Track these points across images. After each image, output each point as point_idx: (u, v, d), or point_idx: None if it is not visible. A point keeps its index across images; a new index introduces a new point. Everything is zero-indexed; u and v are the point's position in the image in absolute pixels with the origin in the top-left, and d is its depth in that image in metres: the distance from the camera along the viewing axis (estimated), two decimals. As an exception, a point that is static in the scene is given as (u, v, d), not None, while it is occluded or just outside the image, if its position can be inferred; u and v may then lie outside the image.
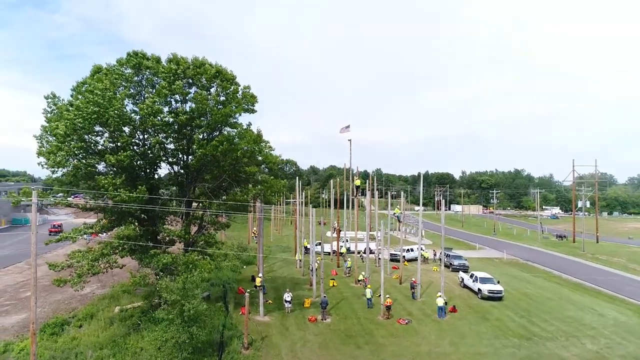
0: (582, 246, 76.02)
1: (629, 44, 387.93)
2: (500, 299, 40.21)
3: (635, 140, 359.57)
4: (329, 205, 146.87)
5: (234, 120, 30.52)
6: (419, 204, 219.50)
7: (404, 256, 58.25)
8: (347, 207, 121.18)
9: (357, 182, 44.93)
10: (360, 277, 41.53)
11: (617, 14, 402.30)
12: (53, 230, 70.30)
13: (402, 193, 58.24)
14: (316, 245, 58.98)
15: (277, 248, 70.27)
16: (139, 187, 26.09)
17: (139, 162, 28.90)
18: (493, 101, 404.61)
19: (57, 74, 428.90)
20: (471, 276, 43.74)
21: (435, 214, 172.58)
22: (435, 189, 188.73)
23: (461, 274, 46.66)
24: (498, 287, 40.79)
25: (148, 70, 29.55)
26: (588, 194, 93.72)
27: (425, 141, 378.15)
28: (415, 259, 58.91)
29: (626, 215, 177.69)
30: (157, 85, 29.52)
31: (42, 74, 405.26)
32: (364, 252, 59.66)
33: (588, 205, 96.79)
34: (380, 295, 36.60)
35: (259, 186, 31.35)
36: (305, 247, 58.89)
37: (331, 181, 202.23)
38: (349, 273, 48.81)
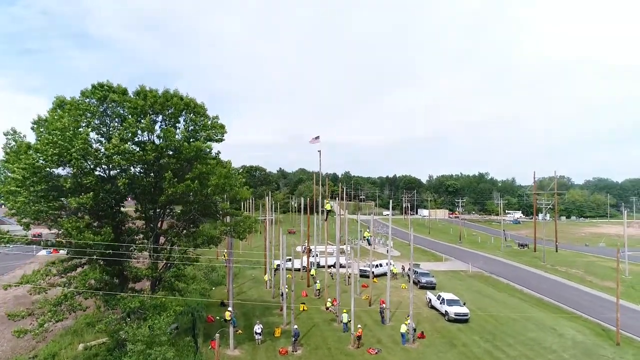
0: (543, 256, 79.00)
1: (591, 43, 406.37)
2: (466, 321, 41.33)
3: (591, 142, 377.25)
4: (299, 211, 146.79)
5: (205, 153, 30.02)
6: (387, 208, 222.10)
7: (372, 272, 58.90)
8: (317, 212, 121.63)
9: (328, 206, 45.17)
10: (328, 304, 41.70)
11: (577, 15, 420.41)
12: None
13: (372, 215, 58.77)
14: (286, 261, 58.92)
15: (246, 264, 69.59)
16: (104, 228, 25.36)
17: (104, 201, 28.05)
18: (460, 102, 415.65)
19: (18, 70, 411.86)
20: (438, 297, 44.73)
21: (403, 218, 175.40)
22: (403, 194, 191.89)
23: (429, 294, 47.62)
24: (464, 310, 41.90)
25: (114, 103, 28.77)
26: (548, 205, 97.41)
27: (394, 142, 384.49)
28: (384, 274, 59.69)
29: (582, 219, 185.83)
30: (124, 121, 28.77)
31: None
32: (333, 266, 59.82)
33: (548, 217, 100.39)
34: (351, 321, 36.78)
35: (229, 220, 31.03)
36: (276, 268, 58.69)
37: (301, 187, 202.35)
38: (319, 295, 48.95)
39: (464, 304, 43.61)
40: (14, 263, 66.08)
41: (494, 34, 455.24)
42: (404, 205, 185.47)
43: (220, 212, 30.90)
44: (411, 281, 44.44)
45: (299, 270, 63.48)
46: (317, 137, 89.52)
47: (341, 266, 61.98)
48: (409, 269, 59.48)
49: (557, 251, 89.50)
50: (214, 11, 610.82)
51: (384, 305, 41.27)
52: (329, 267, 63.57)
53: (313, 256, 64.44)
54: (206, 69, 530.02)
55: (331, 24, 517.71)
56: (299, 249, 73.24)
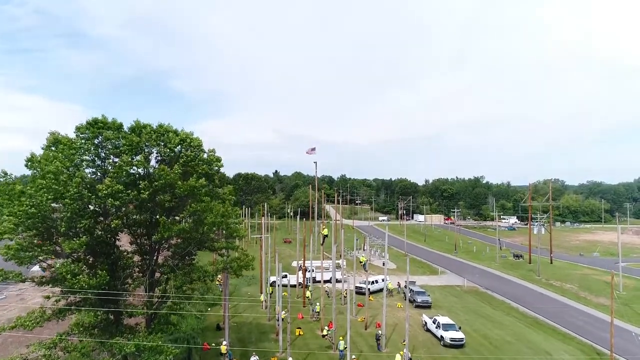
0: (538, 269, 79.28)
1: (585, 47, 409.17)
2: (462, 346, 41.43)
3: (585, 142, 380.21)
4: (295, 216, 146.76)
5: (199, 190, 29.82)
6: (383, 212, 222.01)
7: (369, 289, 58.92)
8: (314, 218, 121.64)
9: (325, 231, 45.18)
10: (325, 332, 41.68)
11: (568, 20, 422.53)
12: None
13: (367, 239, 58.81)
14: (282, 277, 58.80)
15: (241, 279, 69.34)
16: (99, 271, 25.25)
17: (98, 238, 27.90)
18: (455, 102, 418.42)
19: (12, 69, 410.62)
20: (434, 321, 44.76)
21: (399, 224, 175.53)
22: (399, 200, 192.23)
23: (425, 317, 47.63)
24: (459, 335, 42.00)
25: (109, 141, 28.66)
26: (542, 218, 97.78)
27: (390, 141, 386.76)
28: (380, 290, 59.75)
29: (577, 225, 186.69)
30: (119, 155, 28.65)
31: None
32: (329, 281, 59.66)
33: (543, 231, 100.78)
34: (347, 348, 36.68)
35: (227, 257, 31.05)
36: (272, 282, 58.69)
37: (297, 192, 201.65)
38: (316, 317, 48.78)
39: (460, 328, 43.71)
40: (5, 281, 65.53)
41: (489, 35, 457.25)
42: (399, 213, 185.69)
43: (216, 247, 30.81)
44: (407, 300, 44.60)
45: (294, 286, 63.42)
46: (314, 149, 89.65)
47: (337, 281, 62.03)
48: (405, 286, 59.68)
49: (551, 263, 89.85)
50: (210, 10, 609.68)
51: (380, 331, 41.24)
52: (325, 282, 63.44)
53: (309, 271, 64.32)
54: (202, 69, 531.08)
55: (328, 24, 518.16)
56: (294, 264, 73.15)
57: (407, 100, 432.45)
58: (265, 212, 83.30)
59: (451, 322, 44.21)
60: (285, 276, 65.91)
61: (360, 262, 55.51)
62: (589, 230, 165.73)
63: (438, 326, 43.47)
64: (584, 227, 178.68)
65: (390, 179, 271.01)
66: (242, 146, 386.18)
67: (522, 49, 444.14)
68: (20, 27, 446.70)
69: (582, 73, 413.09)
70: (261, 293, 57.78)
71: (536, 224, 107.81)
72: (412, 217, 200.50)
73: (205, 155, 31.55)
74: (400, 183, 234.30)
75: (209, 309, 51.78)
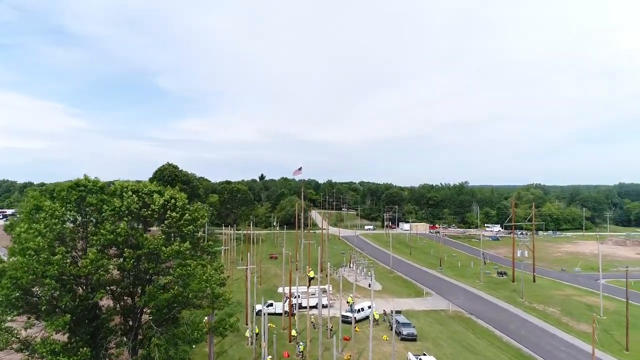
0: (521, 289, 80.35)
1: (576, 46, 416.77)
2: (446, 388, 41.82)
3: (570, 143, 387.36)
4: (282, 226, 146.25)
5: (185, 253, 29.54)
6: (369, 219, 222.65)
7: (355, 317, 59.04)
8: (300, 227, 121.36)
9: (311, 274, 45.24)
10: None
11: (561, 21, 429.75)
12: None
13: (353, 257, 59.18)
14: (267, 306, 58.69)
15: (226, 308, 68.83)
16: (81, 349, 24.82)
17: (80, 305, 27.44)
18: (442, 104, 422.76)
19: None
20: (419, 361, 45.10)
21: (384, 234, 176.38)
22: (385, 209, 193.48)
23: (410, 356, 47.82)
24: (445, 377, 42.39)
25: (91, 207, 28.21)
26: (526, 242, 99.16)
27: (377, 143, 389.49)
28: (366, 318, 59.96)
29: (559, 234, 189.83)
30: (101, 223, 28.22)
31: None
32: (315, 307, 59.72)
33: (527, 254, 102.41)
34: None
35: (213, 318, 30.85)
36: (257, 312, 58.50)
37: (283, 202, 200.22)
38: (302, 357, 48.64)
39: (445, 368, 44.13)
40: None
41: (478, 37, 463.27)
42: (385, 223, 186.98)
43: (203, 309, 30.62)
44: (393, 331, 44.73)
45: (280, 314, 63.24)
46: (300, 169, 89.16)
47: (324, 306, 61.97)
48: (391, 314, 60.06)
49: (534, 281, 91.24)
50: (196, 9, 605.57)
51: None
52: (311, 307, 63.35)
53: (295, 297, 64.16)
54: (187, 67, 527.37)
55: (317, 23, 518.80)
56: (280, 290, 72.84)
57: (394, 100, 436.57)
58: (251, 224, 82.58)
59: (436, 362, 44.57)
60: (271, 304, 65.79)
61: (348, 302, 55.63)
62: (570, 240, 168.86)
63: (424, 367, 43.79)
64: (565, 236, 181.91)
65: (377, 184, 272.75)
66: (227, 145, 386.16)
67: (515, 49, 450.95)
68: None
69: (574, 74, 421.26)
70: (246, 324, 57.37)
71: (520, 240, 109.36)
72: (398, 225, 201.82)
73: (188, 216, 31.30)
74: (387, 190, 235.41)
75: (194, 347, 51.27)
